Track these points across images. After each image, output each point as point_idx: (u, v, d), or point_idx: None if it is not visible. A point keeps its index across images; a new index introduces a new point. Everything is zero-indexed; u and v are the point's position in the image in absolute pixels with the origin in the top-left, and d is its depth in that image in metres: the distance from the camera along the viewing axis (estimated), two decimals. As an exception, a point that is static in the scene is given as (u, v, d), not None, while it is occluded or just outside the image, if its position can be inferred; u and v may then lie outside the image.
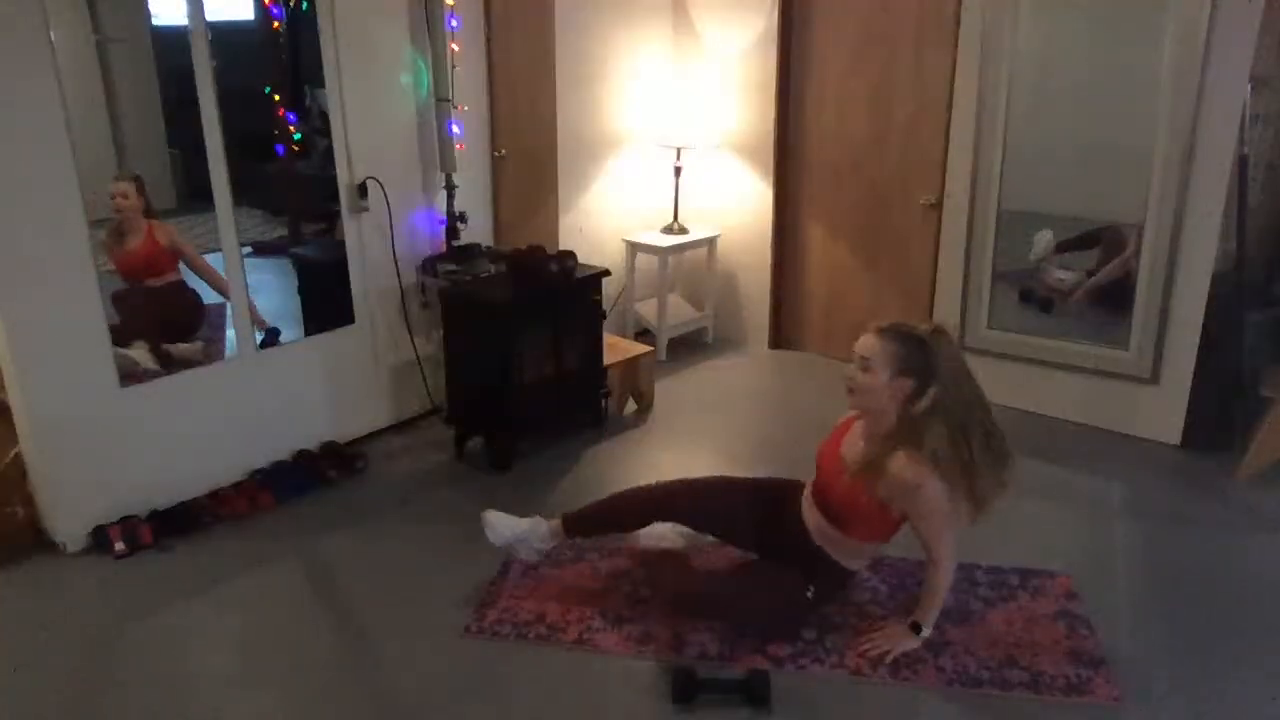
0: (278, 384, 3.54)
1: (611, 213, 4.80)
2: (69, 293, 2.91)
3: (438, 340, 3.96)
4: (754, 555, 2.80)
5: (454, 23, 3.73)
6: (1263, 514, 3.32)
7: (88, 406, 3.03)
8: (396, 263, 3.82)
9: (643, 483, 2.92)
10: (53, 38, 2.72)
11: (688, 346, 5.01)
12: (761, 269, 4.90)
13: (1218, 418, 3.76)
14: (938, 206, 4.20)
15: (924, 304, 4.35)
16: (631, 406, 4.23)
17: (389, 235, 3.75)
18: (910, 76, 4.25)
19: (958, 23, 3.93)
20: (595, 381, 3.98)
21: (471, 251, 3.89)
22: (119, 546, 3.03)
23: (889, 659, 2.50)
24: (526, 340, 3.69)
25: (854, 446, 2.54)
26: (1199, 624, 2.70)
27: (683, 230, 4.85)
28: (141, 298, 3.31)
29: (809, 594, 2.58)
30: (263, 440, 3.52)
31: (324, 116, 3.53)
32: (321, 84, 3.47)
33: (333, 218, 3.67)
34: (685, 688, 2.36)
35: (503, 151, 4.14)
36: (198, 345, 3.39)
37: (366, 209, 3.66)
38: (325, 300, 3.73)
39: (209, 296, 3.44)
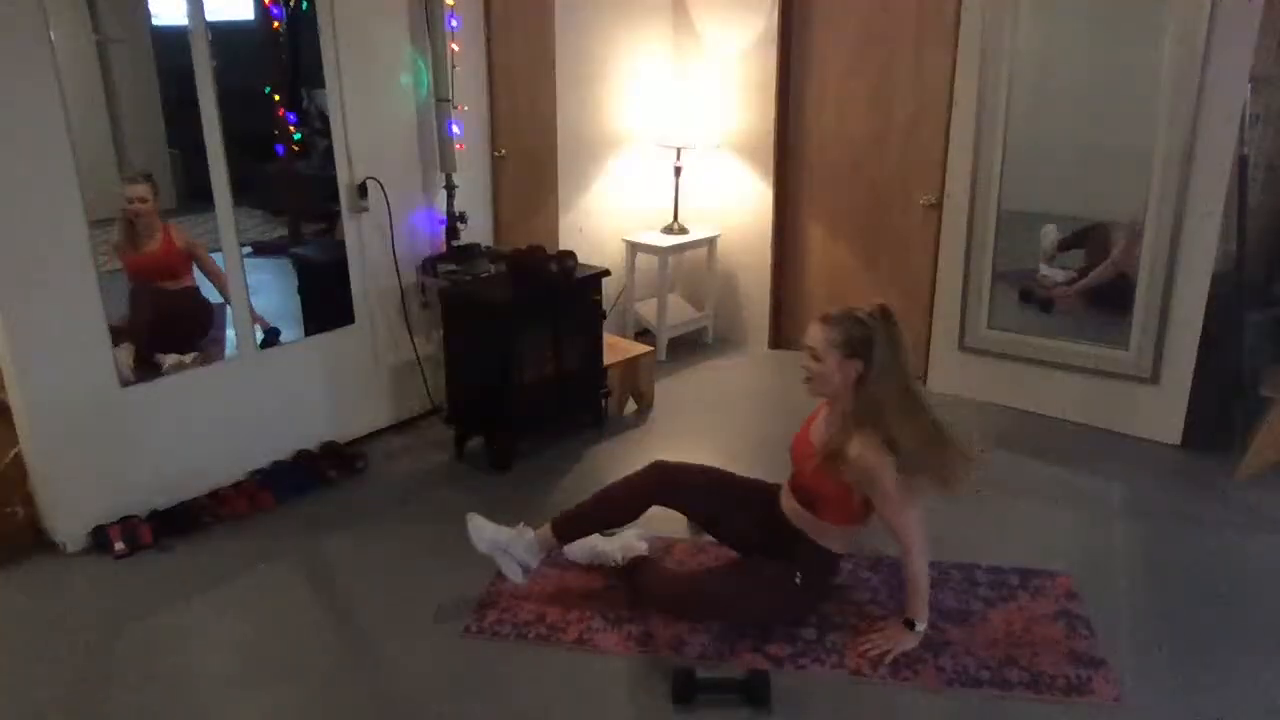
0: (278, 384, 3.54)
1: (611, 213, 4.80)
2: (69, 293, 2.91)
3: (438, 340, 3.96)
4: (735, 546, 2.82)
5: (454, 23, 3.73)
6: (1263, 514, 3.31)
7: (88, 407, 3.03)
8: (396, 263, 3.82)
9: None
10: (53, 38, 2.72)
11: (688, 346, 5.01)
12: (761, 269, 4.90)
13: (1218, 418, 3.76)
14: (938, 206, 4.20)
15: (924, 304, 4.35)
16: (631, 406, 4.23)
17: (389, 235, 3.75)
18: (910, 76, 4.25)
19: (958, 23, 3.93)
20: (595, 381, 3.98)
21: (471, 251, 3.89)
22: (119, 546, 3.03)
23: (889, 659, 2.50)
24: (526, 340, 3.69)
25: (821, 431, 2.59)
26: (1199, 624, 2.70)
27: (683, 230, 4.85)
28: (154, 302, 3.32)
29: (796, 579, 2.59)
30: (263, 440, 3.52)
31: (323, 118, 3.53)
32: (320, 84, 3.47)
33: (333, 218, 3.67)
34: (685, 688, 2.36)
35: (503, 151, 4.14)
36: (190, 356, 3.36)
37: (366, 209, 3.66)
38: (325, 300, 3.73)
39: (212, 296, 3.45)
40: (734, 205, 4.93)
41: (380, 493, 3.50)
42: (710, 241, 4.95)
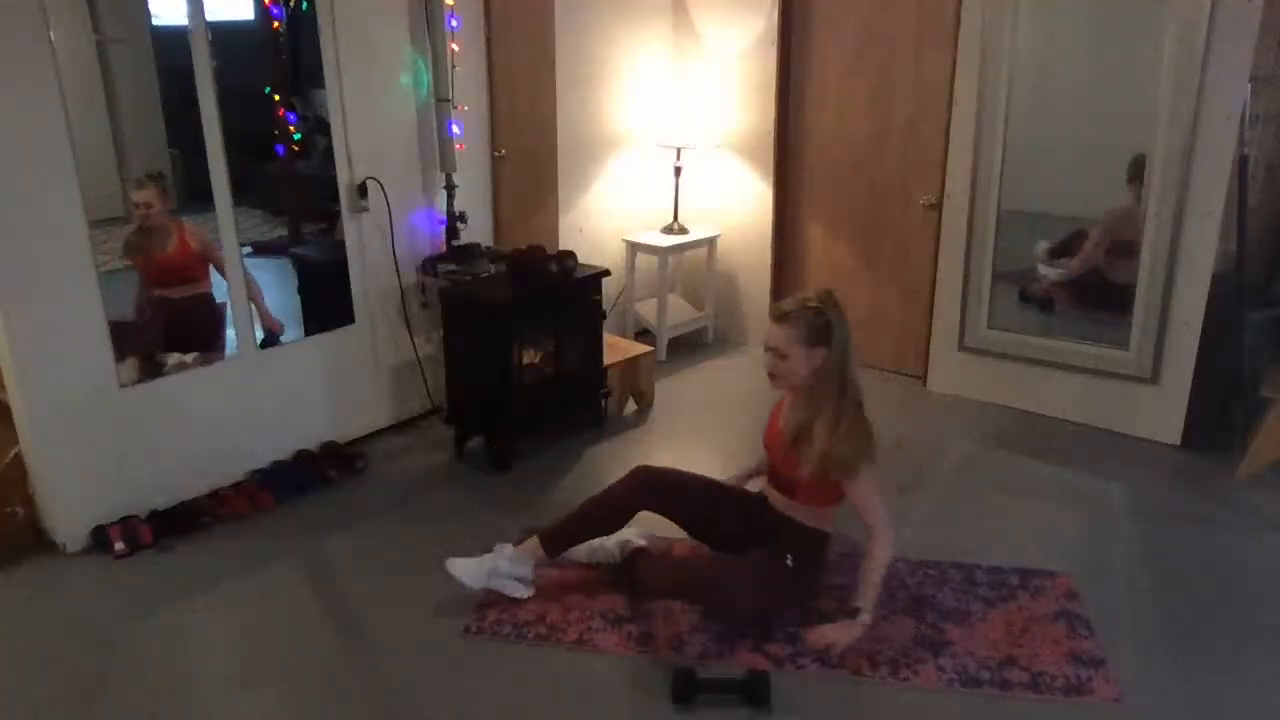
0: (278, 384, 3.54)
1: (611, 213, 4.80)
2: (69, 293, 2.91)
3: (438, 340, 3.96)
4: (726, 548, 2.81)
5: (454, 23, 3.73)
6: (1263, 514, 3.31)
7: (88, 407, 3.03)
8: (396, 263, 3.82)
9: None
10: (53, 38, 2.72)
11: (688, 346, 5.01)
12: (761, 269, 4.90)
13: (1218, 418, 3.76)
14: (938, 206, 4.20)
15: (924, 304, 4.35)
16: (631, 406, 4.23)
17: (389, 235, 3.75)
18: (910, 76, 4.25)
19: (958, 23, 3.93)
20: (595, 381, 3.98)
21: (471, 251, 3.89)
22: (119, 546, 3.03)
23: (835, 650, 2.48)
24: (526, 340, 3.69)
25: (788, 418, 2.63)
26: (1199, 624, 2.70)
27: (683, 230, 4.85)
28: (166, 309, 3.32)
29: (789, 561, 2.60)
30: (263, 440, 3.52)
31: (320, 121, 3.53)
32: (319, 85, 3.47)
33: (333, 218, 3.67)
34: (685, 688, 2.36)
35: (503, 151, 4.14)
36: (190, 356, 3.36)
37: (366, 209, 3.66)
38: (325, 300, 3.73)
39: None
40: (734, 205, 4.93)
41: (380, 493, 3.50)
42: (710, 241, 4.95)
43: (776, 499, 2.70)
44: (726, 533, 2.78)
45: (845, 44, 4.43)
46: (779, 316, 2.52)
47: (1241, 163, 3.47)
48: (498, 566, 2.74)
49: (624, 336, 4.69)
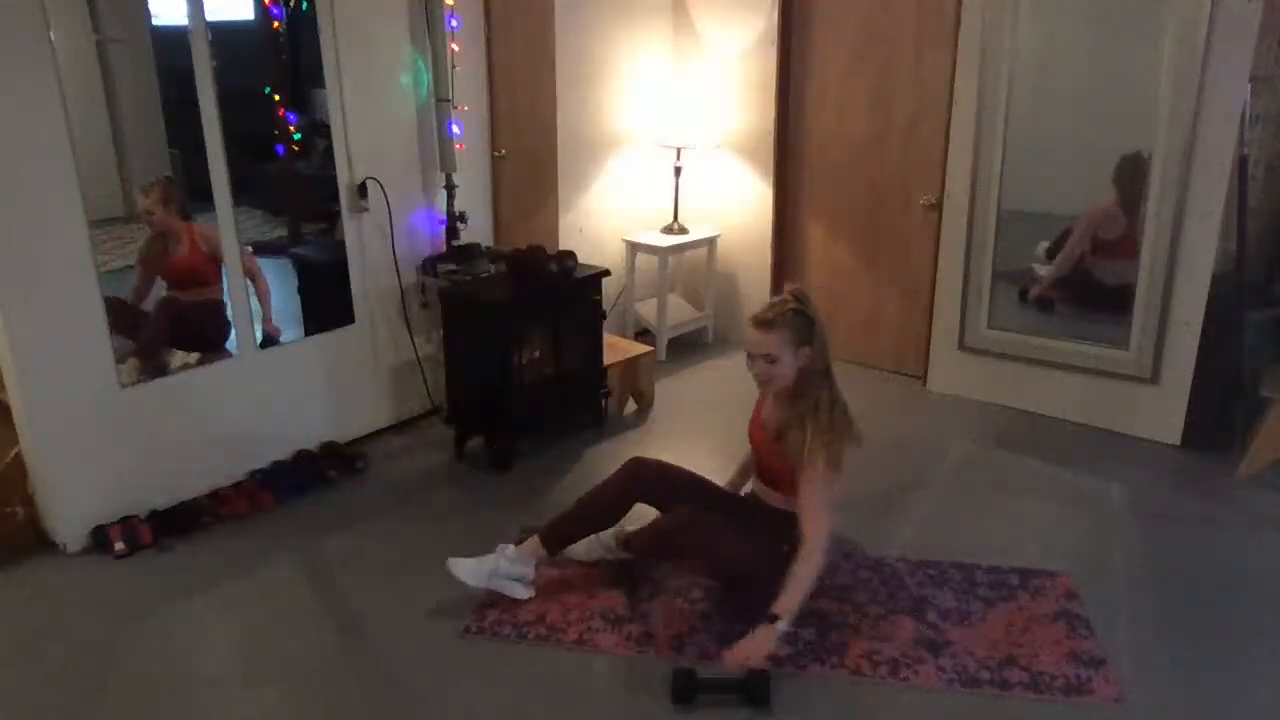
0: (278, 384, 3.54)
1: (611, 213, 4.80)
2: (69, 293, 2.91)
3: (438, 340, 3.96)
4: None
5: (454, 23, 3.73)
6: (1263, 514, 3.31)
7: (88, 407, 3.03)
8: (396, 263, 3.82)
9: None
10: (53, 38, 2.72)
11: (688, 346, 5.01)
12: (761, 269, 4.90)
13: (1218, 418, 3.76)
14: (938, 206, 4.20)
15: (924, 304, 4.35)
16: (631, 406, 4.23)
17: (389, 235, 3.75)
18: (910, 76, 4.25)
19: (958, 23, 3.93)
20: (595, 381, 3.98)
21: (471, 251, 3.89)
22: (119, 546, 3.03)
23: (750, 660, 2.39)
24: (526, 340, 3.69)
25: (772, 413, 2.67)
26: (1199, 624, 2.70)
27: (683, 230, 4.85)
28: (176, 314, 3.33)
29: (785, 549, 2.58)
30: (263, 440, 3.52)
31: (318, 126, 3.53)
32: (319, 85, 3.47)
33: (333, 218, 3.67)
34: (685, 688, 2.36)
35: (503, 151, 4.14)
36: (194, 356, 3.38)
37: (366, 209, 3.66)
38: (325, 300, 3.73)
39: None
40: (734, 205, 4.93)
41: (380, 493, 3.50)
42: (710, 241, 4.95)
43: (766, 494, 2.73)
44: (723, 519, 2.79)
45: (845, 44, 4.43)
46: (764, 323, 2.54)
47: (1241, 163, 3.47)
48: (499, 567, 2.74)
49: (624, 336, 4.69)
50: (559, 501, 3.30)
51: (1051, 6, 3.79)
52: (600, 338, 3.97)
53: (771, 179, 4.74)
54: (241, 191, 3.29)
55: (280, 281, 3.68)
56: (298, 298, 3.73)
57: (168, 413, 3.23)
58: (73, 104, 2.79)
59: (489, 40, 3.99)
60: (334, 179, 3.56)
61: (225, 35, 3.16)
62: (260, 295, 3.47)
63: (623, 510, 2.83)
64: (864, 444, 2.63)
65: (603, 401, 4.03)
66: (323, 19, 3.39)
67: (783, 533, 2.62)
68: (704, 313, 5.10)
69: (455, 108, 3.79)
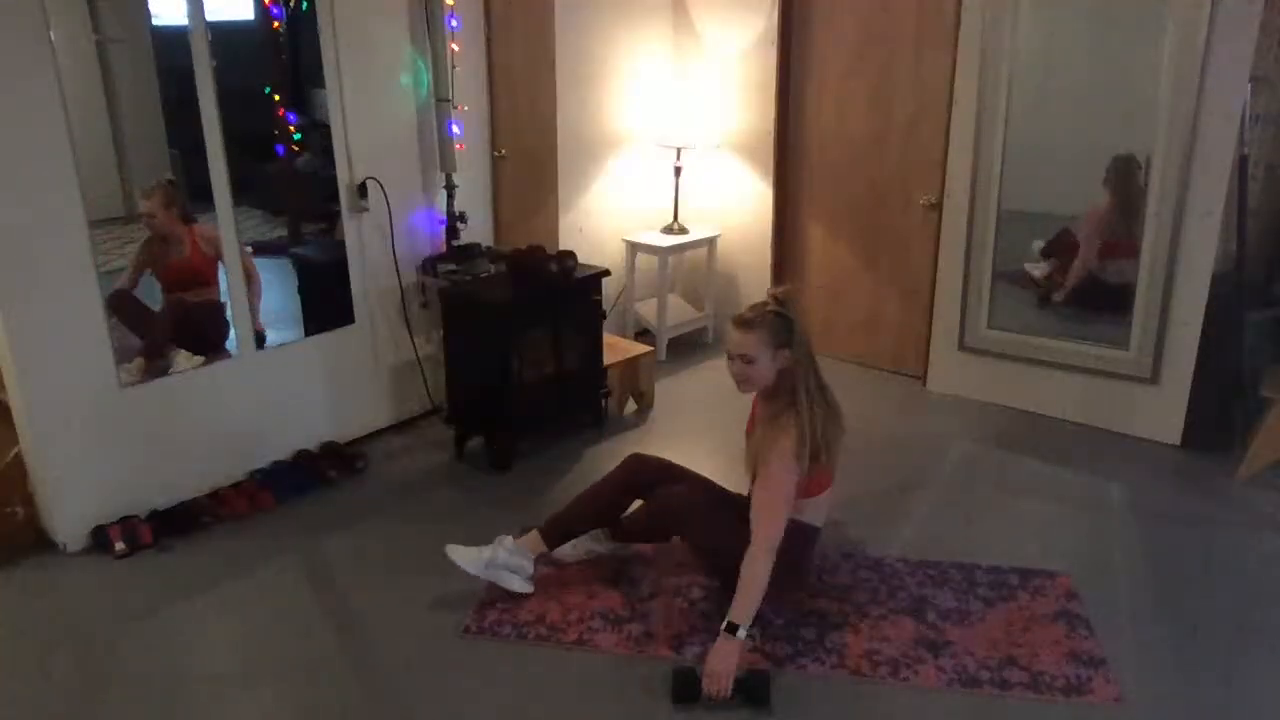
0: (278, 384, 3.54)
1: (611, 213, 4.80)
2: (69, 293, 2.91)
3: (438, 340, 3.96)
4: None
5: (454, 23, 3.73)
6: (1263, 514, 3.31)
7: (88, 407, 3.03)
8: (396, 263, 3.82)
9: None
10: (53, 38, 2.72)
11: (688, 346, 5.01)
12: (761, 269, 4.90)
13: (1218, 418, 3.76)
14: (938, 206, 4.20)
15: (924, 304, 4.35)
16: (631, 406, 4.23)
17: (389, 235, 3.75)
18: (910, 76, 4.25)
19: (958, 23, 3.93)
20: (595, 381, 3.98)
21: (471, 251, 3.89)
22: (119, 546, 3.03)
23: (725, 681, 2.33)
24: (526, 340, 3.69)
25: (762, 415, 2.70)
26: (1199, 624, 2.70)
27: (683, 230, 4.85)
28: (177, 314, 3.33)
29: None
30: (263, 440, 3.52)
31: (318, 126, 3.53)
32: (319, 85, 3.47)
33: (333, 218, 3.67)
34: (685, 688, 2.36)
35: (503, 151, 4.14)
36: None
37: (366, 209, 3.66)
38: (325, 300, 3.73)
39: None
40: (734, 205, 4.93)
41: (380, 493, 3.50)
42: (710, 241, 4.95)
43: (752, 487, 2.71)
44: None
45: (845, 44, 4.43)
46: (743, 324, 2.55)
47: (1241, 163, 3.47)
48: (496, 556, 2.75)
49: (624, 336, 4.69)
50: (559, 501, 3.29)
51: (1051, 7, 3.79)
52: (600, 338, 3.97)
53: (771, 179, 4.74)
54: (241, 191, 3.29)
55: (280, 281, 3.68)
56: (298, 298, 3.73)
57: (168, 413, 3.23)
58: (73, 104, 2.79)
59: (489, 40, 3.99)
60: (334, 179, 3.57)
61: (225, 35, 3.16)
62: (253, 294, 3.46)
63: (623, 506, 2.85)
64: (857, 444, 2.63)
65: (603, 401, 4.03)
66: (323, 19, 3.39)
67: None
68: (704, 313, 5.10)
69: (455, 108, 3.79)
